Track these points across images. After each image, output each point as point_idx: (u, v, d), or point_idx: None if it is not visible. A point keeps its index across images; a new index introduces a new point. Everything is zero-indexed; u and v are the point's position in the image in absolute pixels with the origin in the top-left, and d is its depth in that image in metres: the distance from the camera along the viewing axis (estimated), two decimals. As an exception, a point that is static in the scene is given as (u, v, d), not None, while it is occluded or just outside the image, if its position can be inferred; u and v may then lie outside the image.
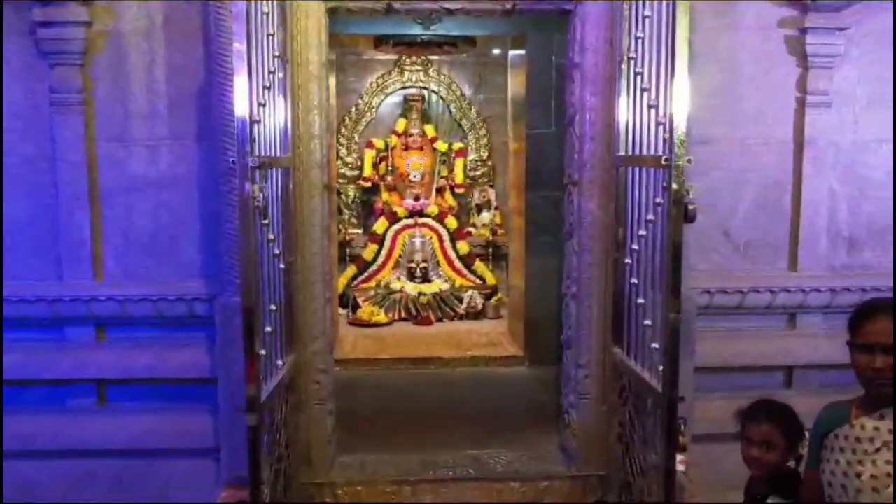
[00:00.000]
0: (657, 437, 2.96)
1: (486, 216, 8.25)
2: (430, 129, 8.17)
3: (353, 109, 8.14)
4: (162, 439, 3.40)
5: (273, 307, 2.98)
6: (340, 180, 7.82)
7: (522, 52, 5.91)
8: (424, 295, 7.46)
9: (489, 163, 8.32)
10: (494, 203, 8.21)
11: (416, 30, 5.16)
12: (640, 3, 3.04)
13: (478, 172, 8.31)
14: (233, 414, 3.15)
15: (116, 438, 3.40)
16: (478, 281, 7.76)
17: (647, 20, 2.99)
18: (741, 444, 2.50)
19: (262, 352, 2.78)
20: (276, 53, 3.02)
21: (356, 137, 8.18)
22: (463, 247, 7.87)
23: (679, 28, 2.66)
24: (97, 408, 3.47)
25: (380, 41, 6.97)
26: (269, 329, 2.90)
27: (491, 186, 8.30)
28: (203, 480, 3.37)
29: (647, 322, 3.05)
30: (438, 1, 3.43)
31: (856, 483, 2.02)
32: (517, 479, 3.69)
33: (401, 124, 8.15)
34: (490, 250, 7.99)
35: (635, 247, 3.16)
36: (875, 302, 2.21)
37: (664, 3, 2.82)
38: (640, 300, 3.13)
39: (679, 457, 3.01)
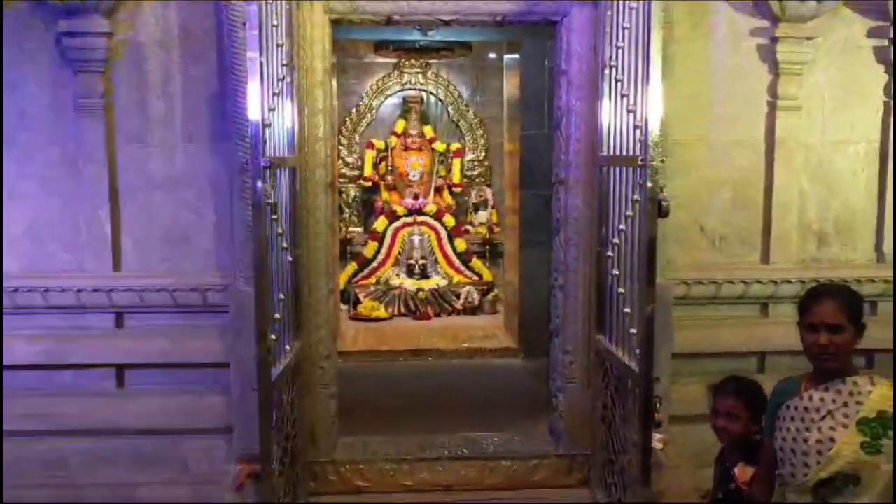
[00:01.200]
0: (636, 415, 3.22)
1: (482, 215, 8.48)
2: (428, 130, 8.41)
3: (354, 111, 8.39)
4: (178, 419, 3.65)
5: (282, 296, 3.25)
6: (341, 180, 8.06)
7: (517, 55, 6.16)
8: (423, 291, 7.69)
9: (486, 163, 8.56)
10: (491, 202, 8.44)
11: (415, 35, 5.42)
12: (620, 15, 3.30)
13: (475, 172, 8.54)
14: (245, 395, 3.40)
15: (136, 419, 3.65)
16: (475, 277, 7.99)
17: (626, 31, 3.24)
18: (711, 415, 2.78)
19: (273, 336, 3.04)
20: (285, 62, 3.28)
21: (357, 138, 8.43)
22: (460, 244, 8.10)
23: (653, 39, 2.92)
24: (117, 390, 3.72)
25: (380, 46, 7.24)
26: (277, 316, 3.16)
27: (488, 186, 8.54)
28: (217, 456, 3.62)
29: (627, 310, 3.30)
30: (434, 13, 3.68)
31: (803, 447, 2.26)
32: (508, 458, 3.94)
33: (400, 125, 8.39)
34: (487, 248, 8.23)
35: (616, 241, 3.42)
36: (821, 287, 2.49)
37: (641, 15, 3.07)
38: (621, 290, 3.39)
39: (657, 435, 3.26)
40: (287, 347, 3.35)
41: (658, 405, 3.11)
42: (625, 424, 3.41)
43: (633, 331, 3.20)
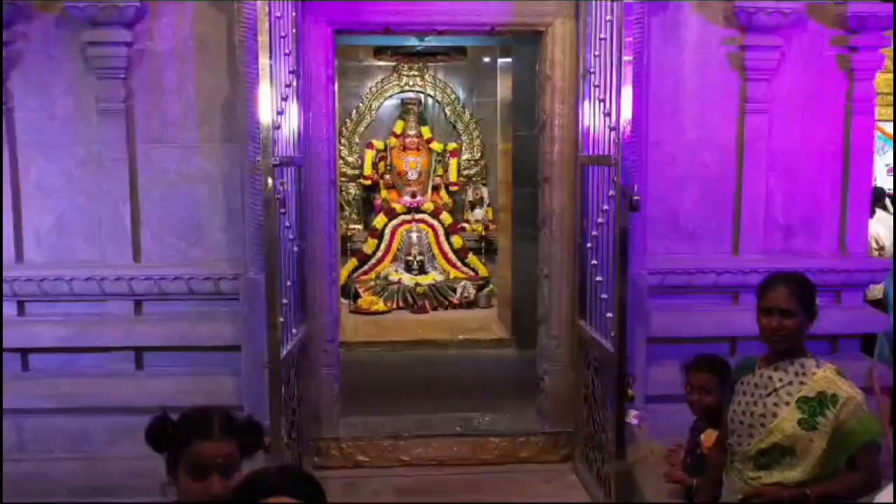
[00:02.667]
0: (611, 392, 3.53)
1: (479, 212, 8.70)
2: (426, 131, 8.62)
3: (354, 112, 8.61)
4: (192, 398, 3.91)
5: (289, 283, 3.56)
6: (342, 179, 8.31)
7: (510, 59, 6.46)
8: (421, 286, 7.92)
9: (482, 162, 8.75)
10: (487, 200, 8.64)
11: (412, 41, 5.73)
12: (598, 27, 3.62)
13: (471, 171, 8.74)
14: (254, 375, 3.71)
15: (153, 397, 3.93)
16: (471, 273, 8.21)
17: (602, 42, 3.56)
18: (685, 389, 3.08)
19: (281, 319, 3.35)
20: (291, 69, 3.59)
21: (357, 138, 8.65)
22: (457, 241, 8.32)
23: (625, 49, 3.24)
24: (136, 371, 4.04)
25: (379, 50, 7.53)
26: (285, 301, 3.47)
27: (484, 185, 8.74)
28: (228, 432, 3.92)
29: (604, 296, 3.62)
30: (429, 24, 4.00)
31: (749, 420, 2.49)
32: (497, 436, 4.25)
33: (399, 126, 8.61)
34: (483, 244, 8.42)
35: (595, 233, 3.73)
36: (776, 275, 2.72)
37: (616, 27, 3.38)
38: (599, 278, 3.70)
39: (633, 412, 3.59)
40: (294, 331, 3.66)
41: (631, 382, 3.43)
42: (603, 401, 3.72)
43: (610, 315, 3.51)
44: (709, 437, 3.01)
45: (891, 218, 7.80)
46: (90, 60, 3.84)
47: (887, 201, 8.29)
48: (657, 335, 4.05)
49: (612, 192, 3.47)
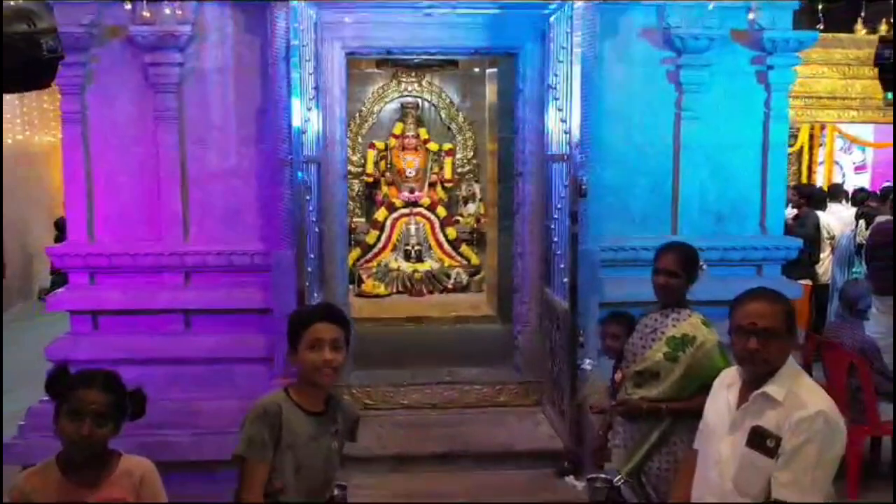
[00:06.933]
0: (566, 342, 4.44)
1: (471, 207, 9.39)
2: (423, 132, 9.29)
3: (358, 115, 9.19)
4: (230, 351, 4.82)
5: (311, 256, 4.47)
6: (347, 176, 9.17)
7: (496, 70, 7.34)
8: (418, 272, 8.69)
9: (474, 161, 9.40)
10: (479, 196, 9.33)
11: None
12: (557, 51, 4.53)
13: (464, 169, 9.42)
14: (283, 332, 4.57)
15: (198, 351, 4.83)
16: (464, 261, 8.94)
17: (560, 63, 4.48)
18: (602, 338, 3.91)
19: (307, 283, 4.27)
20: (314, 85, 4.50)
21: (360, 139, 9.31)
22: (451, 232, 9.04)
23: (574, 71, 4.15)
24: (185, 331, 4.93)
25: (381, 61, 8.41)
26: (309, 270, 4.38)
27: (476, 181, 9.42)
28: (260, 378, 4.77)
29: (562, 266, 4.53)
30: (424, 48, 4.92)
31: (635, 350, 3.24)
32: (479, 384, 5.17)
33: (398, 128, 9.29)
34: (475, 236, 9.12)
35: (556, 216, 4.65)
36: (667, 243, 3.29)
37: (570, 52, 4.29)
38: (559, 252, 4.62)
39: (586, 360, 4.48)
40: (315, 294, 4.57)
41: (581, 333, 4.34)
42: (562, 352, 4.63)
43: (566, 280, 4.42)
44: (622, 375, 3.67)
45: (843, 210, 8.72)
46: (150, 77, 4.72)
47: (843, 199, 9.21)
48: (610, 300, 4.91)
49: (566, 182, 4.38)
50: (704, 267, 3.31)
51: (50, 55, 2.29)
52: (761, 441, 2.33)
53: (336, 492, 2.74)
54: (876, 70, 3.49)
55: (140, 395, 2.44)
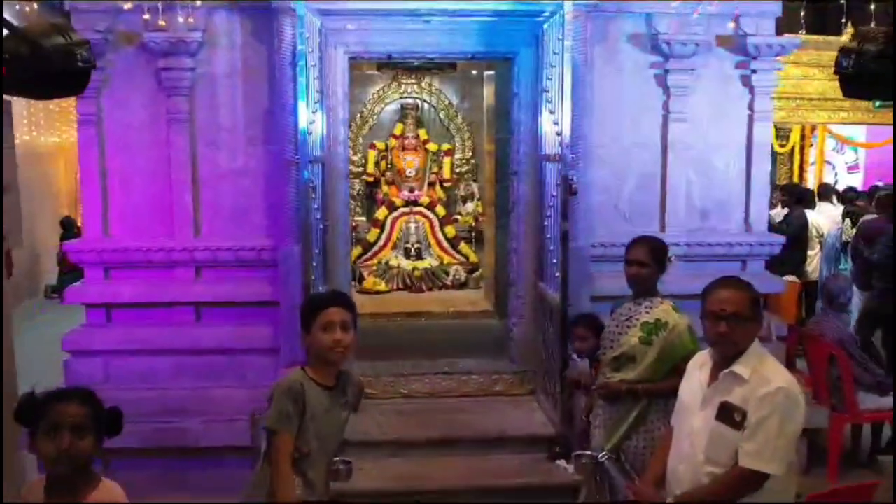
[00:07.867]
0: (557, 330, 4.68)
1: (469, 206, 9.63)
2: (422, 133, 9.56)
3: (358, 116, 9.43)
4: (238, 342, 5.05)
5: (316, 251, 4.70)
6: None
7: (493, 72, 7.58)
8: (418, 269, 8.93)
9: (472, 161, 9.66)
10: (477, 195, 9.56)
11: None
12: (550, 57, 4.76)
13: (463, 169, 9.67)
14: (289, 323, 4.83)
15: (208, 342, 5.07)
16: (462, 259, 9.19)
17: (553, 68, 4.71)
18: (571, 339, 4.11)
19: (313, 277, 4.50)
20: (318, 88, 4.74)
21: (361, 140, 9.56)
22: (450, 231, 9.30)
23: (566, 76, 4.39)
24: (195, 323, 5.17)
25: (382, 64, 8.64)
26: (314, 264, 4.62)
27: (474, 181, 9.66)
28: (267, 368, 5.00)
29: (554, 261, 4.77)
30: (423, 53, 5.15)
31: (612, 336, 3.55)
32: (476, 374, 5.40)
33: (398, 128, 9.57)
34: (473, 234, 9.38)
35: (548, 214, 4.89)
36: (638, 237, 3.57)
37: (562, 57, 4.53)
38: (552, 248, 4.85)
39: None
40: (320, 288, 4.80)
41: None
42: (554, 341, 4.87)
43: (558, 274, 4.66)
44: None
45: (832, 209, 8.95)
46: (162, 82, 4.96)
47: (834, 198, 9.44)
48: (600, 294, 5.14)
49: (558, 182, 4.62)
50: (673, 258, 3.58)
51: (84, 65, 2.53)
52: (729, 415, 2.58)
53: (341, 466, 2.99)
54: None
55: (116, 413, 2.34)
